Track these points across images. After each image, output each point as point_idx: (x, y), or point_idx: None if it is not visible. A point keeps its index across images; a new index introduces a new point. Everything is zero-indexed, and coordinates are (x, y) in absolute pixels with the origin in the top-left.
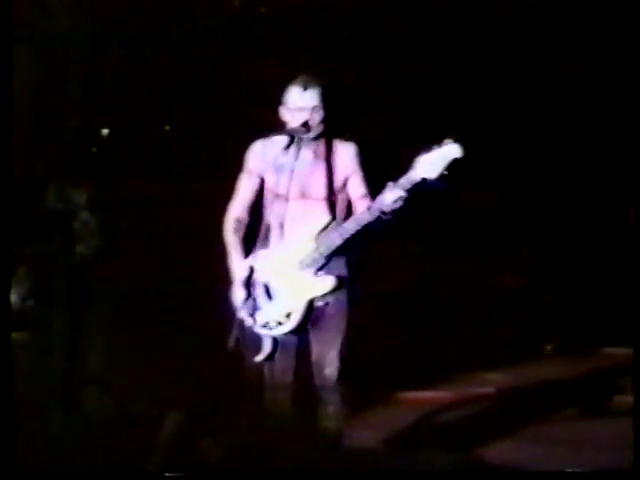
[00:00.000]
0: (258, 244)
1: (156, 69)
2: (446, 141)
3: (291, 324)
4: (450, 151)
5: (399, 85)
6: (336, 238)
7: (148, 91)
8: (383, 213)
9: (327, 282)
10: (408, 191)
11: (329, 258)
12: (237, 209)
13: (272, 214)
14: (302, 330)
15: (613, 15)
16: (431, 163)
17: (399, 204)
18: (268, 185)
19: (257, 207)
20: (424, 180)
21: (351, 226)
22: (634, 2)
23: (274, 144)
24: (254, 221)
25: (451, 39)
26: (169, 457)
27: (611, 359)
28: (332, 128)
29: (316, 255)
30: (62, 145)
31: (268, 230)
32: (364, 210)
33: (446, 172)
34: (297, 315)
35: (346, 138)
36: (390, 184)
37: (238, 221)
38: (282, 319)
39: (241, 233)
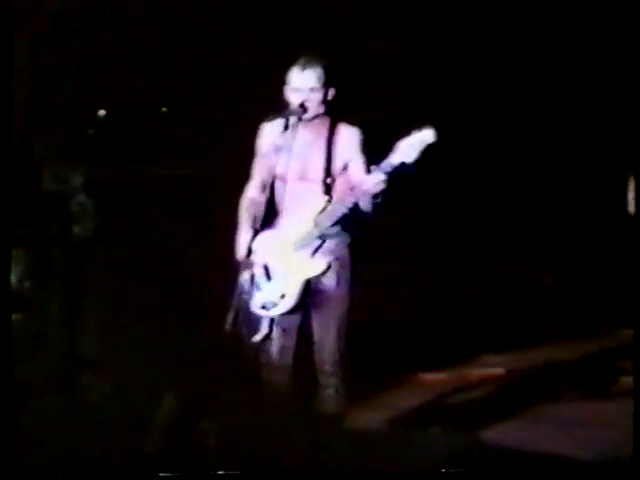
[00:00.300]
0: (265, 224)
1: (153, 50)
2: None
3: (286, 305)
4: (425, 136)
5: (400, 67)
6: (326, 220)
7: (145, 72)
8: (369, 195)
9: (321, 263)
10: (388, 174)
11: (322, 239)
12: (251, 188)
13: (276, 195)
14: (299, 311)
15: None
16: (409, 148)
17: (381, 187)
18: (273, 166)
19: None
20: (403, 164)
21: (338, 208)
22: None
23: (277, 125)
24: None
25: (453, 27)
26: (166, 439)
27: (611, 340)
28: (333, 109)
29: (308, 236)
30: (59, 127)
31: (274, 211)
32: (349, 193)
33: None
34: (292, 296)
35: (348, 120)
36: (373, 167)
37: (251, 200)
38: (277, 300)
39: (252, 211)
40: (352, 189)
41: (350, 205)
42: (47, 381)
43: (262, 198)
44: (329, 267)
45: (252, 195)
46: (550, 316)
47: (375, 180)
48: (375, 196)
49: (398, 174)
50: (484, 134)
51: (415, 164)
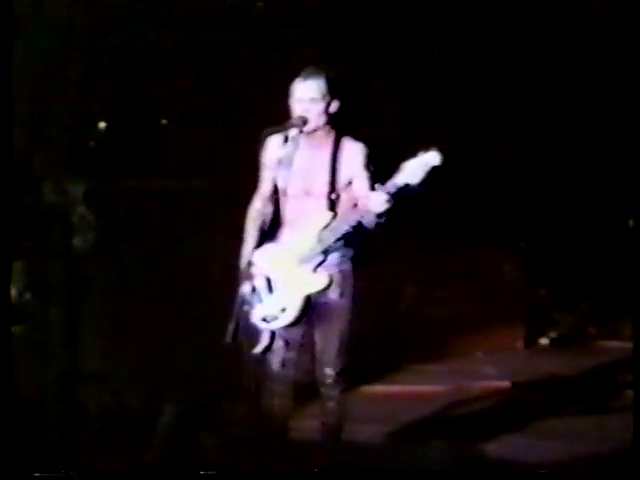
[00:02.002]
0: (269, 237)
1: (154, 62)
2: (430, 149)
3: (286, 319)
4: (431, 159)
5: (404, 80)
6: (329, 236)
7: (146, 85)
8: (373, 214)
9: (323, 279)
10: (393, 195)
11: (325, 254)
12: (257, 200)
13: (280, 208)
14: (301, 323)
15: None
16: (414, 169)
17: (385, 207)
18: (275, 179)
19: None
20: (407, 185)
21: (342, 225)
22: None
23: (280, 137)
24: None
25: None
26: (166, 451)
27: (610, 353)
28: (336, 122)
29: (311, 251)
30: (60, 139)
31: (277, 224)
32: (353, 210)
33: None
34: (293, 310)
35: (353, 134)
36: (378, 186)
37: (257, 211)
38: (278, 313)
39: (258, 223)
40: (356, 206)
41: (354, 223)
42: (48, 393)
43: (267, 210)
44: (330, 283)
45: (258, 206)
46: (546, 328)
47: (379, 200)
48: (379, 215)
49: (403, 194)
50: (488, 147)
51: (420, 185)
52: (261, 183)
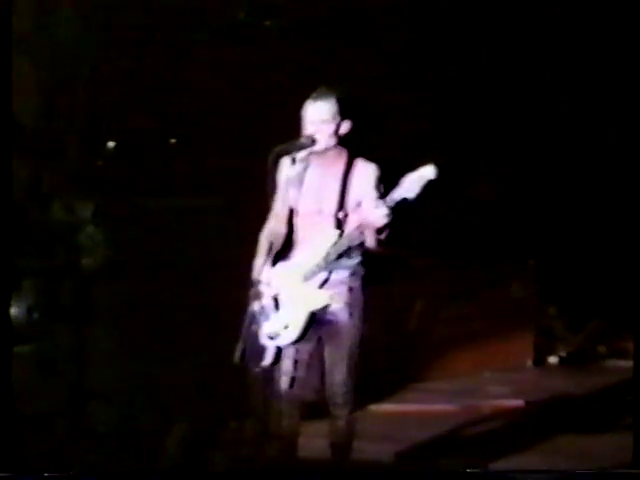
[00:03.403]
0: (283, 256)
1: (162, 82)
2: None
3: (290, 336)
4: (427, 173)
5: (414, 101)
6: (332, 253)
7: (154, 104)
8: (372, 230)
9: (325, 296)
10: (392, 209)
11: (329, 272)
12: (271, 219)
13: (294, 227)
14: (310, 342)
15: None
16: (410, 183)
17: (383, 221)
18: (287, 199)
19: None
20: (405, 199)
21: (344, 242)
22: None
23: (289, 158)
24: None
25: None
26: (175, 469)
27: (620, 372)
28: (348, 142)
29: (315, 268)
30: (68, 158)
31: (290, 243)
32: (355, 227)
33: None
34: (296, 327)
35: (365, 155)
36: (377, 201)
37: (270, 230)
38: (280, 330)
39: (270, 242)
40: (359, 226)
41: (356, 240)
42: (56, 411)
43: (281, 230)
44: (332, 300)
45: (271, 226)
46: (553, 346)
47: (378, 214)
48: (379, 231)
49: (401, 209)
50: (499, 165)
51: (418, 199)
52: (275, 203)
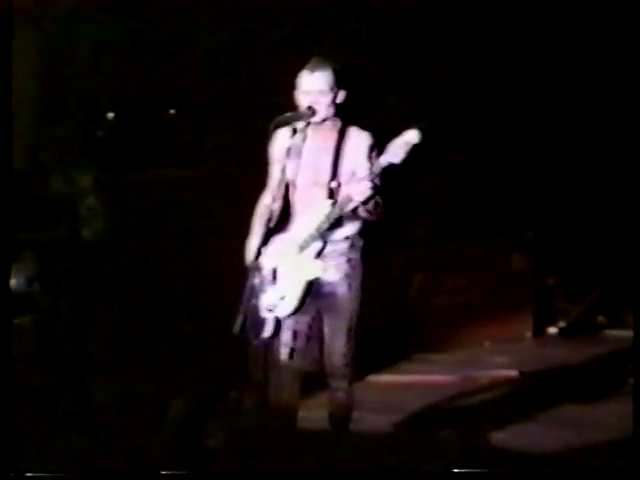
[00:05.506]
0: (279, 229)
1: (163, 52)
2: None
3: (287, 306)
4: (410, 137)
5: (409, 70)
6: (324, 222)
7: (154, 75)
8: (358, 202)
9: (320, 265)
10: (379, 175)
11: (324, 241)
12: (266, 195)
13: (290, 200)
14: (309, 314)
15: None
16: (395, 149)
17: (367, 193)
18: (286, 172)
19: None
20: (392, 165)
21: (335, 211)
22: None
23: (288, 129)
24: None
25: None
26: (174, 441)
27: (619, 342)
28: (343, 112)
29: (308, 239)
30: (67, 129)
31: (287, 216)
32: (344, 196)
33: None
34: (293, 298)
35: (358, 123)
36: (362, 173)
37: (265, 206)
38: (277, 301)
39: (265, 217)
40: (347, 194)
41: (347, 210)
42: (56, 382)
43: (276, 204)
44: (324, 271)
45: (266, 201)
46: (553, 317)
47: (362, 188)
48: (364, 202)
49: (400, 180)
50: (497, 137)
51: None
52: (270, 177)
